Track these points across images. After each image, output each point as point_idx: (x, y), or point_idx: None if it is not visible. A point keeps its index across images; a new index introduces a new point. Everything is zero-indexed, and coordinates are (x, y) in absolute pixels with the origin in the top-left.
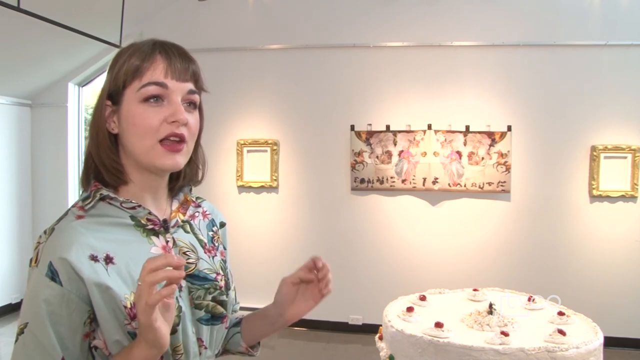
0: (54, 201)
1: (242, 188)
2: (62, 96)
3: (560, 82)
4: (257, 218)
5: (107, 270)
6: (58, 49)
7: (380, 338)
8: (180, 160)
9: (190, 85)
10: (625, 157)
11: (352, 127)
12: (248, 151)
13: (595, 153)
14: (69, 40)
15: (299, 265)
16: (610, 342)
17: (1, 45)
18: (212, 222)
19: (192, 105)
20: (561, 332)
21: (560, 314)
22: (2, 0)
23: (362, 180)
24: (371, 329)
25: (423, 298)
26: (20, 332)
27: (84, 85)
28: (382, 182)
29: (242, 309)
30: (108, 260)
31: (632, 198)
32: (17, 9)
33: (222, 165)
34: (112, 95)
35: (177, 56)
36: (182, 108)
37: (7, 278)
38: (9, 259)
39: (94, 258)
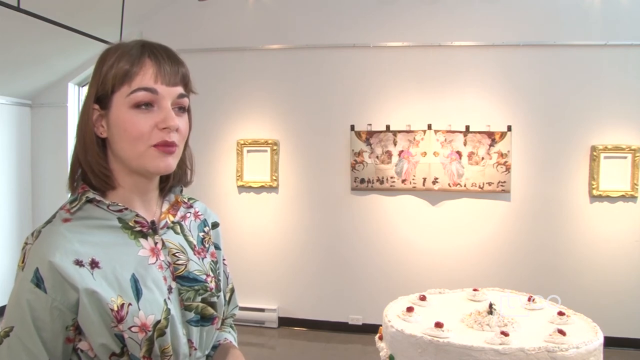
0: (54, 201)
1: (242, 188)
2: (62, 96)
3: (560, 82)
4: (257, 218)
5: (92, 274)
6: (58, 49)
7: (380, 338)
8: (172, 162)
9: (180, 89)
10: (625, 157)
11: (352, 127)
12: (248, 151)
13: (595, 153)
14: (69, 40)
15: (298, 265)
16: (610, 342)
17: (1, 45)
18: (204, 223)
19: (181, 109)
20: (561, 332)
21: (560, 314)
22: (2, 0)
23: (362, 180)
24: (371, 329)
25: (423, 298)
26: (5, 335)
27: (84, 85)
28: (382, 182)
29: (241, 309)
30: (93, 264)
31: (632, 198)
32: (17, 9)
33: (222, 165)
34: (100, 99)
35: (166, 60)
36: (172, 114)
37: (7, 278)
38: (9, 259)
39: (78, 263)
